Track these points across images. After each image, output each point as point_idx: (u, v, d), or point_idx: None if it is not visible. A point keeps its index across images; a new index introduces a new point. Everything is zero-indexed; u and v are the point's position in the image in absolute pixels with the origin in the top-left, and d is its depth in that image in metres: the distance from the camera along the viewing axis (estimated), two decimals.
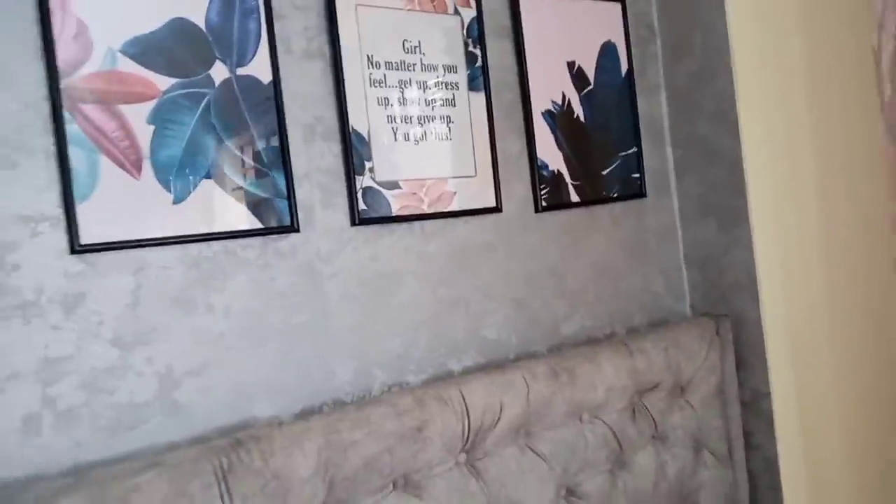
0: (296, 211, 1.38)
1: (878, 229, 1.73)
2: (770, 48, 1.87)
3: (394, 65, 1.52)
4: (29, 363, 1.13)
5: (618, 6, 1.92)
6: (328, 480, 1.23)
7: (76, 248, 1.16)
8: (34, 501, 1.00)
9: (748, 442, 1.90)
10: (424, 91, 1.57)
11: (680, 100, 1.99)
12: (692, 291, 2.02)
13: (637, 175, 1.94)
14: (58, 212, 1.16)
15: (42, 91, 1.15)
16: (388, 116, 1.51)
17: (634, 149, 1.93)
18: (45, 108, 1.15)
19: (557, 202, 1.77)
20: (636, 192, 1.94)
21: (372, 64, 1.49)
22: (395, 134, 1.52)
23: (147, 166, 1.23)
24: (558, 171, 1.78)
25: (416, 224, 1.55)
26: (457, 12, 1.61)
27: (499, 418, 1.45)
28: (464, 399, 1.42)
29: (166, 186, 1.25)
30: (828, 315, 1.89)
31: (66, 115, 1.16)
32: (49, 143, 1.15)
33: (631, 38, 1.95)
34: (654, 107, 2.00)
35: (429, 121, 1.57)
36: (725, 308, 1.92)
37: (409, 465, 1.34)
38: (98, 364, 1.18)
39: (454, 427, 1.39)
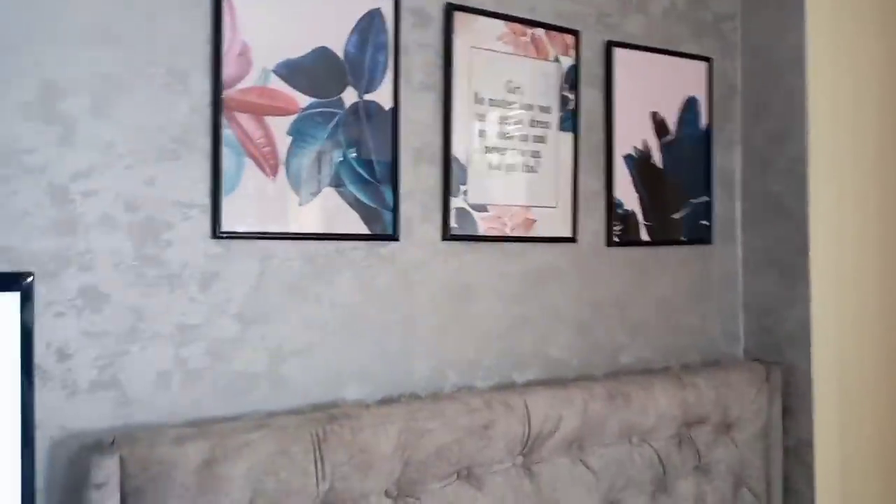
0: (398, 222, 1.56)
1: None
2: (845, 116, 1.98)
3: (496, 102, 1.70)
4: (168, 326, 1.33)
5: (704, 64, 2.06)
6: (404, 461, 1.40)
7: (217, 233, 1.37)
8: (170, 443, 1.19)
9: (787, 486, 1.99)
10: (520, 127, 1.74)
11: (754, 156, 2.11)
12: (747, 337, 2.13)
13: (706, 222, 2.07)
14: (206, 201, 1.37)
15: (207, 99, 1.37)
16: (485, 147, 1.68)
17: (706, 198, 2.07)
18: (207, 113, 1.37)
19: (629, 239, 1.92)
20: (703, 238, 2.07)
21: (477, 99, 1.67)
22: (489, 163, 1.69)
23: (282, 171, 1.43)
24: (633, 210, 1.93)
25: (499, 245, 1.72)
26: (557, 59, 1.78)
27: (557, 429, 1.60)
28: (527, 407, 1.57)
29: (295, 190, 1.45)
30: (877, 372, 1.97)
31: (224, 120, 1.37)
32: (207, 142, 1.37)
33: (714, 95, 2.08)
34: (728, 160, 2.13)
35: (520, 154, 1.74)
36: (777, 357, 2.02)
37: (473, 458, 1.49)
38: (222, 335, 1.38)
39: (516, 430, 1.55)
